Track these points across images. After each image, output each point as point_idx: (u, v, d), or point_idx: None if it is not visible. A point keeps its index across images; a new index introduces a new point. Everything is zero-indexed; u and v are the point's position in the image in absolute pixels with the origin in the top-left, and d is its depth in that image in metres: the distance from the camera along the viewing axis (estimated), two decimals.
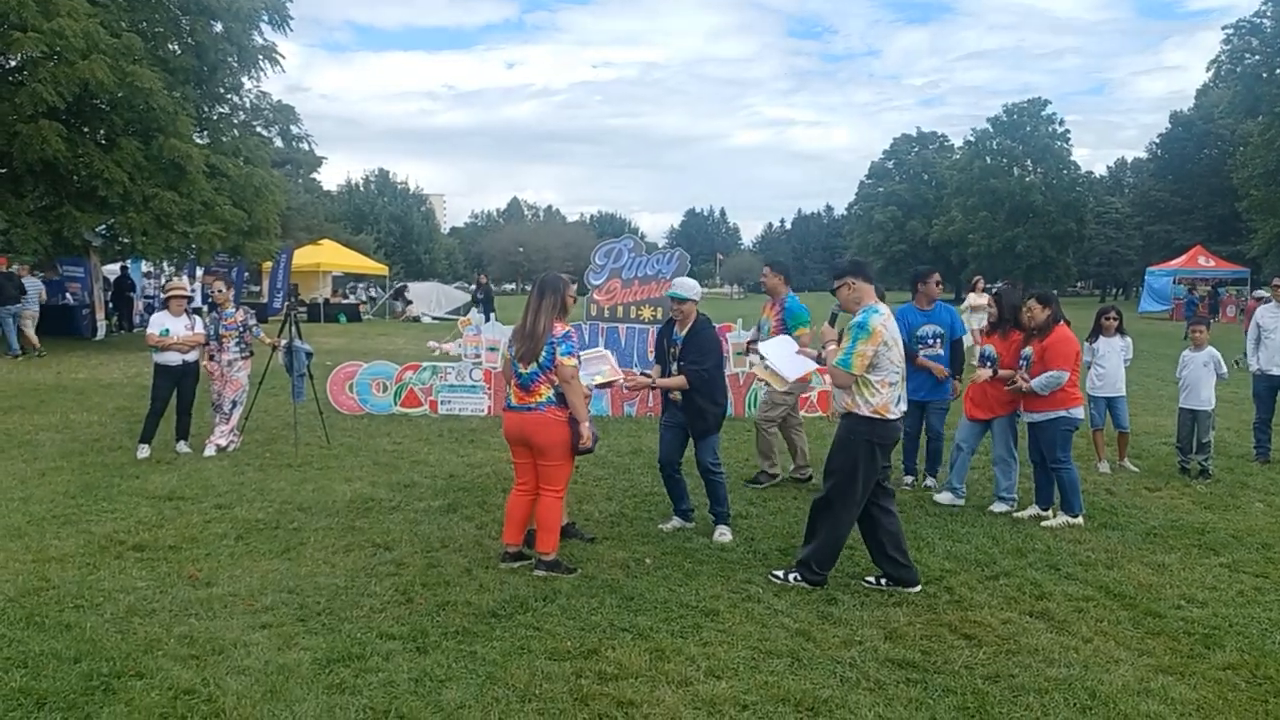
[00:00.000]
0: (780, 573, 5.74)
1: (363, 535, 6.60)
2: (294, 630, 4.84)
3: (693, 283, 6.91)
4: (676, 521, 6.98)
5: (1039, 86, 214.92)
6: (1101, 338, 9.23)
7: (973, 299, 17.80)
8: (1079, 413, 7.36)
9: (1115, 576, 5.95)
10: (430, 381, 12.32)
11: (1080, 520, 7.16)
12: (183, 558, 6.03)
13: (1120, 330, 9.27)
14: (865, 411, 5.52)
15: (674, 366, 6.75)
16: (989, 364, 7.60)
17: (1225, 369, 9.22)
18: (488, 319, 21.93)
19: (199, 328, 9.65)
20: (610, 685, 4.27)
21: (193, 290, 29.65)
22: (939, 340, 8.15)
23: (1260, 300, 17.62)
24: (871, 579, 5.75)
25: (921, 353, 8.10)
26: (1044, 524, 7.18)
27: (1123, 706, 4.17)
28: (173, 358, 9.41)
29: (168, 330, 9.36)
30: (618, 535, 6.74)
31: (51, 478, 8.25)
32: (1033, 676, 4.46)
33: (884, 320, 5.52)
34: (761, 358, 6.87)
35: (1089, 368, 9.31)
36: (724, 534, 6.69)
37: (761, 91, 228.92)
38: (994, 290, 8.35)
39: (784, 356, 6.81)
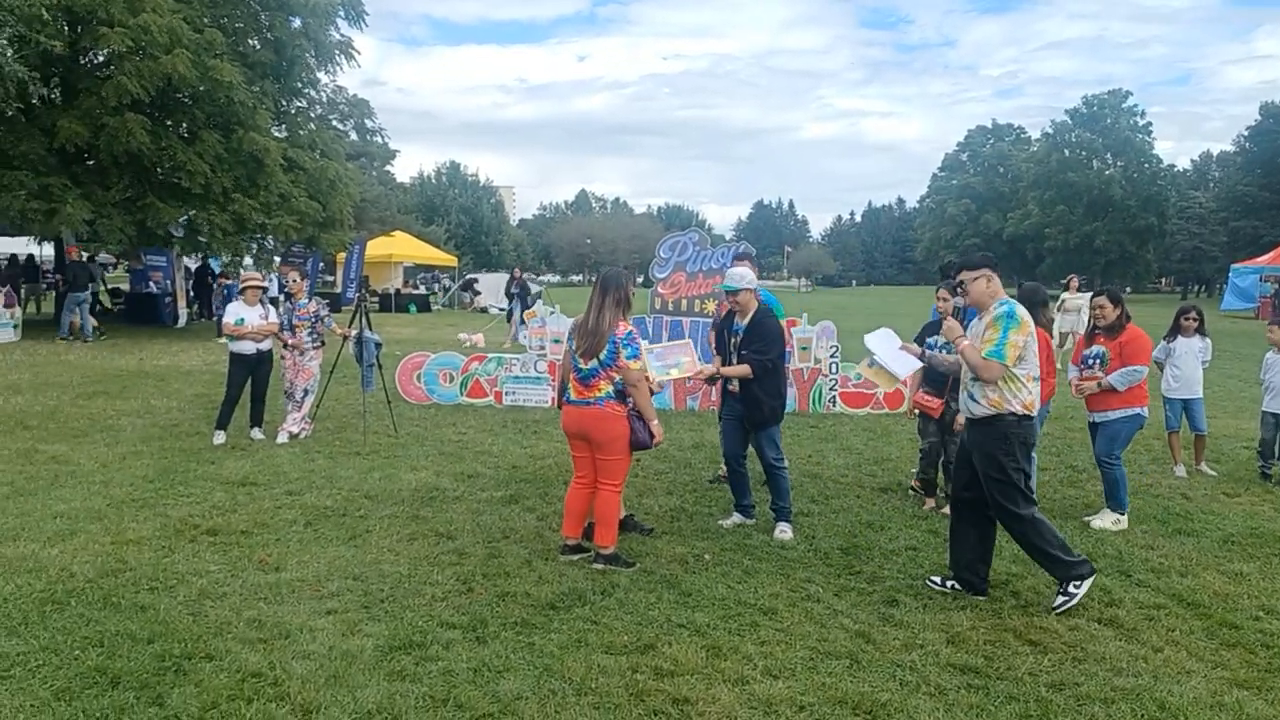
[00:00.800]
0: (1061, 598, 5.26)
1: (426, 524, 6.70)
2: (358, 617, 4.94)
3: (744, 271, 6.74)
4: (737, 518, 6.91)
5: (1121, 77, 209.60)
6: (1180, 338, 8.96)
7: (1069, 299, 17.12)
8: (1146, 411, 7.33)
9: (1189, 585, 5.78)
10: (495, 373, 12.45)
11: (1124, 519, 7.08)
12: (253, 543, 6.19)
13: (1200, 331, 8.98)
14: (1016, 408, 5.21)
15: (734, 357, 6.64)
16: (1098, 363, 7.33)
17: None
18: (523, 318, 21.88)
19: (273, 317, 9.88)
20: (666, 681, 4.28)
21: (269, 280, 30.42)
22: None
23: None
24: (938, 580, 5.65)
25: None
26: (1093, 524, 7.07)
27: None
28: (247, 346, 9.64)
29: (243, 320, 9.60)
30: (677, 530, 6.74)
31: (131, 462, 8.52)
32: (1099, 686, 4.35)
33: (1027, 312, 5.32)
34: (870, 356, 6.66)
35: (1164, 368, 9.05)
36: (785, 531, 6.60)
37: (833, 83, 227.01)
38: (1107, 291, 7.88)
39: (892, 352, 6.61)
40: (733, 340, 6.66)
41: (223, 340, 18.86)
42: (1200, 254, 76.09)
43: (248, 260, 28.31)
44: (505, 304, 28.39)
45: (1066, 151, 75.33)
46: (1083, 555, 5.46)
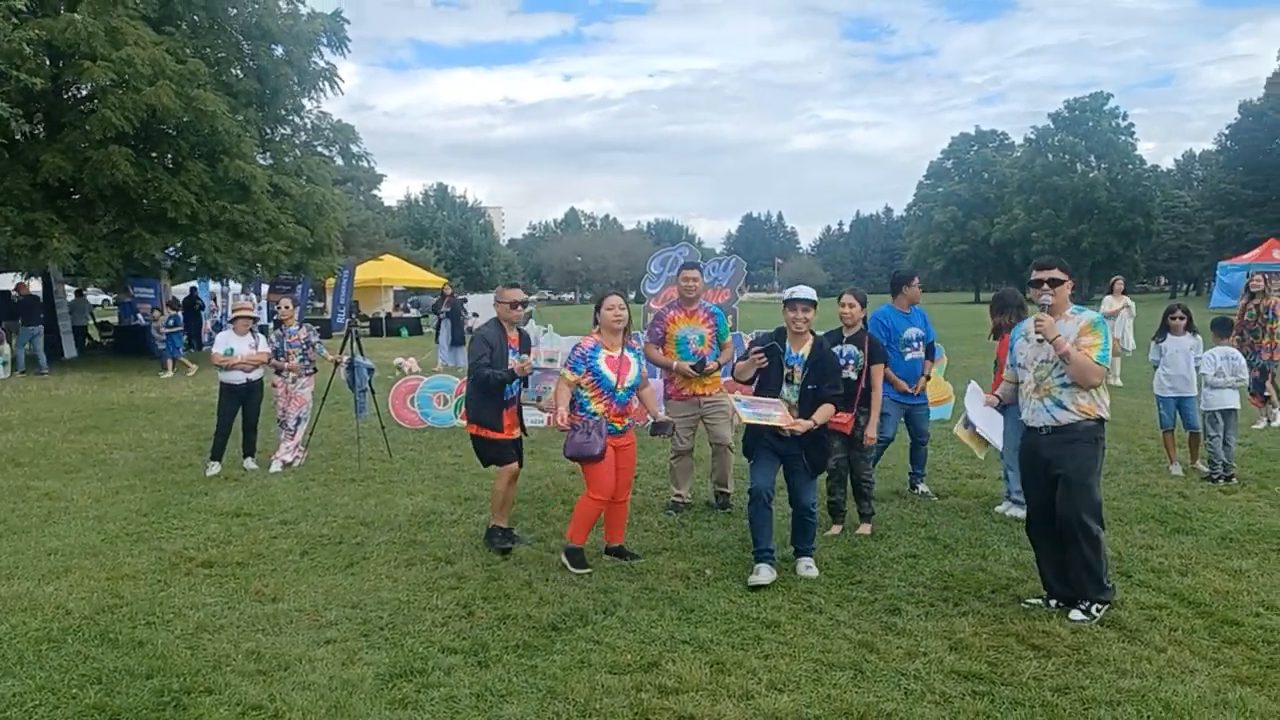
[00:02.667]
0: (1080, 615, 5.16)
1: (424, 549, 6.66)
2: (357, 645, 4.90)
3: (809, 287, 6.13)
4: (766, 572, 5.86)
5: (1102, 80, 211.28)
6: (1170, 336, 8.98)
7: (1111, 302, 16.26)
8: None
9: (1189, 583, 5.77)
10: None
11: None
12: (250, 574, 6.15)
13: (1190, 329, 9.01)
14: (1104, 413, 5.19)
15: (789, 390, 5.94)
16: None
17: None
18: (454, 340, 20.62)
19: (264, 346, 9.84)
20: (671, 699, 4.25)
21: (259, 309, 30.36)
22: (920, 343, 7.83)
23: None
24: (1040, 600, 5.43)
25: (907, 355, 7.73)
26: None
27: (1198, 719, 4.04)
28: (237, 376, 9.59)
29: (232, 350, 9.56)
30: (677, 546, 6.72)
31: (125, 496, 8.47)
32: (1104, 688, 4.34)
33: None
34: (965, 417, 6.42)
35: (1155, 368, 9.07)
36: (810, 568, 6.04)
37: (819, 95, 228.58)
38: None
39: (983, 413, 6.28)
40: (789, 371, 5.95)
41: (185, 374, 18.91)
42: (1187, 252, 76.52)
43: (236, 287, 28.29)
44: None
45: (1050, 155, 75.79)
46: (1113, 583, 5.37)
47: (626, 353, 6.34)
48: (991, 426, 6.32)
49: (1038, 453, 5.29)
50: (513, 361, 6.58)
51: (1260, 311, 11.40)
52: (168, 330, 20.12)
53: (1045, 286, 5.21)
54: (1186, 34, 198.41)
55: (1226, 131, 70.95)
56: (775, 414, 5.76)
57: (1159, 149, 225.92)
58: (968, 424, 6.47)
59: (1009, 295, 7.69)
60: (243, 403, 9.66)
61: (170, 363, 19.75)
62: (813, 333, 6.03)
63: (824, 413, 5.85)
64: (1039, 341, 5.21)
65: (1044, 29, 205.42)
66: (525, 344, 6.94)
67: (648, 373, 6.72)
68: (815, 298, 6.03)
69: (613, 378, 6.23)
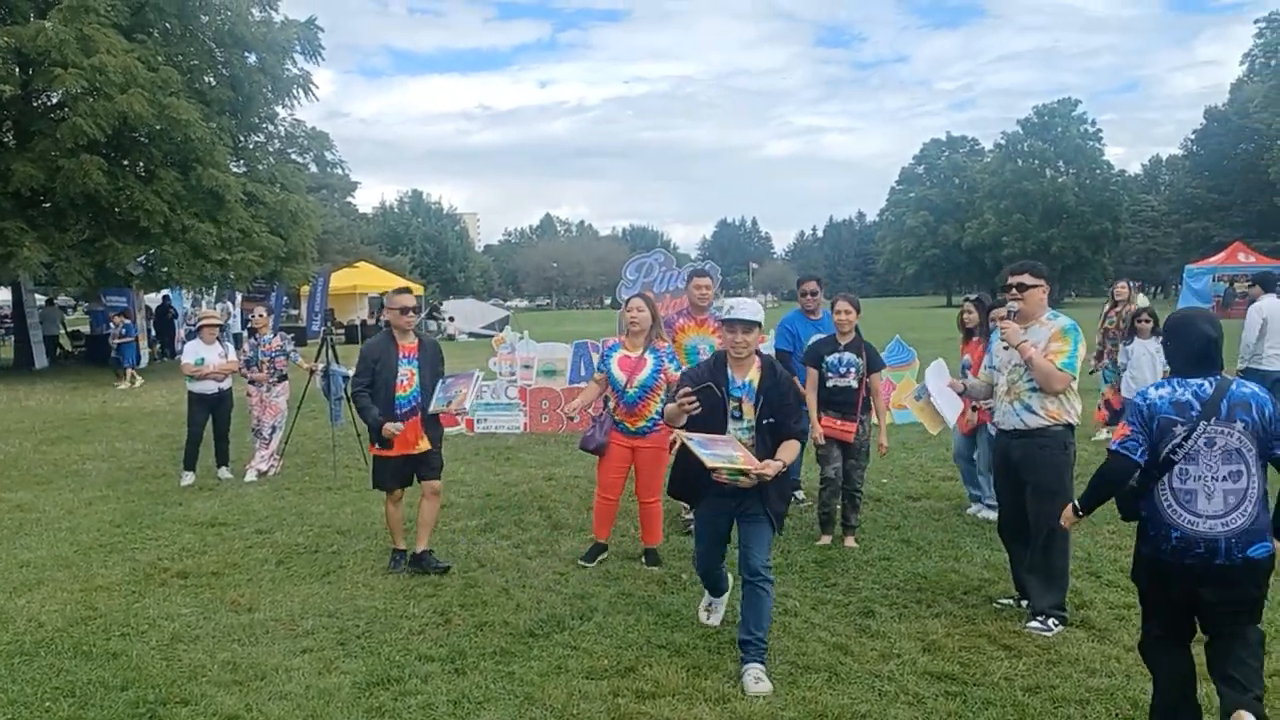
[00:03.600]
0: (1037, 625, 5.10)
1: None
2: (334, 654, 4.90)
3: (754, 304, 4.91)
4: (718, 610, 5.32)
5: (1072, 86, 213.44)
6: (1137, 340, 9.12)
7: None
8: None
9: None
10: (471, 406, 12.39)
11: None
12: (225, 584, 6.13)
13: (1156, 332, 9.15)
14: (1072, 419, 5.19)
15: (736, 426, 4.71)
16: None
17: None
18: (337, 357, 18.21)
19: (233, 354, 9.79)
20: (648, 704, 4.28)
21: (234, 317, 30.13)
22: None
23: None
24: (1011, 600, 5.50)
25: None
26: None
27: None
28: (208, 386, 9.52)
29: (203, 359, 9.47)
30: (659, 550, 6.74)
31: (98, 507, 8.41)
32: (1074, 687, 4.41)
33: None
34: (926, 394, 6.16)
35: (1123, 370, 9.20)
36: (760, 680, 4.44)
37: (792, 101, 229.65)
38: (974, 298, 7.79)
39: (942, 389, 6.10)
40: (734, 404, 4.73)
41: (132, 385, 18.61)
42: (1155, 256, 77.47)
43: (187, 296, 28.06)
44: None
45: (1020, 161, 76.59)
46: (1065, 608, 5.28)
47: (647, 354, 6.40)
48: (948, 404, 6.17)
49: (1008, 456, 5.33)
50: (387, 427, 6.09)
51: (1121, 319, 10.74)
52: (119, 340, 19.84)
53: (1014, 291, 5.24)
54: (1153, 41, 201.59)
55: (1192, 137, 72.00)
56: (738, 455, 4.55)
57: (1127, 154, 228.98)
58: (921, 395, 6.28)
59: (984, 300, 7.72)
60: (213, 412, 9.61)
61: (127, 372, 19.48)
62: (758, 354, 4.80)
63: (790, 450, 4.64)
64: (1006, 347, 5.26)
65: (1015, 35, 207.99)
66: (429, 355, 6.41)
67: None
68: (759, 318, 4.75)
69: (622, 378, 6.37)
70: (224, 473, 9.62)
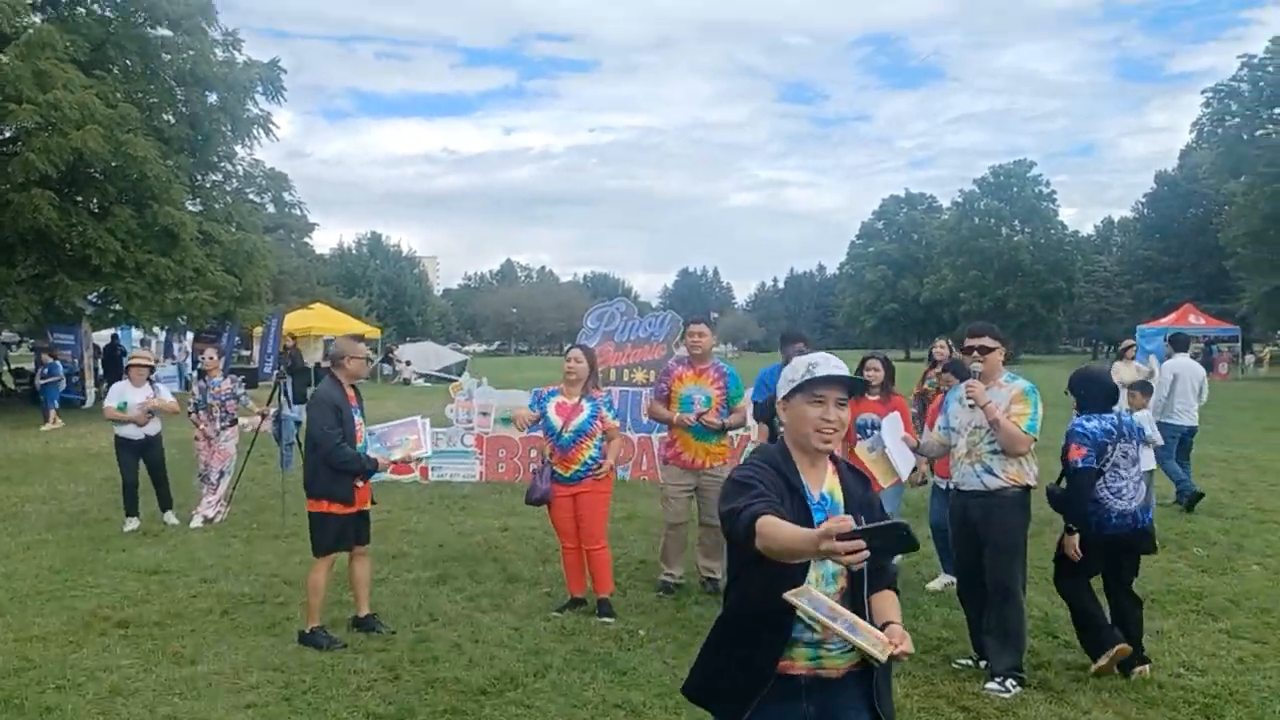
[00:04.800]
0: (994, 686, 5.07)
1: (350, 609, 6.47)
2: (279, 710, 4.74)
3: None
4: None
5: (1027, 148, 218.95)
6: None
7: (1122, 370, 13.51)
8: None
9: None
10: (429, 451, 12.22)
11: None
12: (168, 634, 5.93)
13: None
14: (1030, 481, 5.21)
15: (826, 573, 2.66)
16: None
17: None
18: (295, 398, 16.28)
19: (164, 394, 9.47)
20: None
21: (186, 357, 29.61)
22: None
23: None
24: (970, 660, 5.48)
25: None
26: (930, 586, 7.24)
27: None
28: (132, 430, 9.17)
29: (125, 404, 9.13)
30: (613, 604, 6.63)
31: (36, 551, 8.14)
32: None
33: None
34: (881, 445, 5.98)
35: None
36: None
37: (755, 155, 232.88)
38: (880, 356, 7.42)
39: (896, 443, 5.97)
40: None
41: (51, 426, 18.12)
42: (1108, 315, 78.91)
43: (137, 335, 27.51)
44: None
45: (976, 219, 78.03)
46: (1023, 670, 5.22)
47: (583, 401, 6.48)
48: (902, 458, 6.04)
49: (966, 516, 5.33)
50: (378, 457, 6.10)
51: (943, 380, 10.59)
52: (43, 381, 19.20)
53: (975, 354, 5.29)
54: (1105, 106, 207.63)
55: (1144, 200, 73.93)
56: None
57: (1080, 215, 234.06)
58: (876, 447, 6.09)
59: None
60: (142, 456, 9.25)
61: (52, 414, 18.86)
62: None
63: (894, 608, 2.79)
64: (970, 407, 5.26)
65: (972, 98, 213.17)
66: (361, 403, 6.27)
67: (623, 433, 6.61)
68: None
69: (558, 422, 6.43)
70: (170, 518, 9.35)
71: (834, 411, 2.77)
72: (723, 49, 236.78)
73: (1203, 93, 51.01)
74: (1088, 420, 5.35)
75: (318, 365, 36.98)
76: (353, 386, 6.25)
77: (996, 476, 5.17)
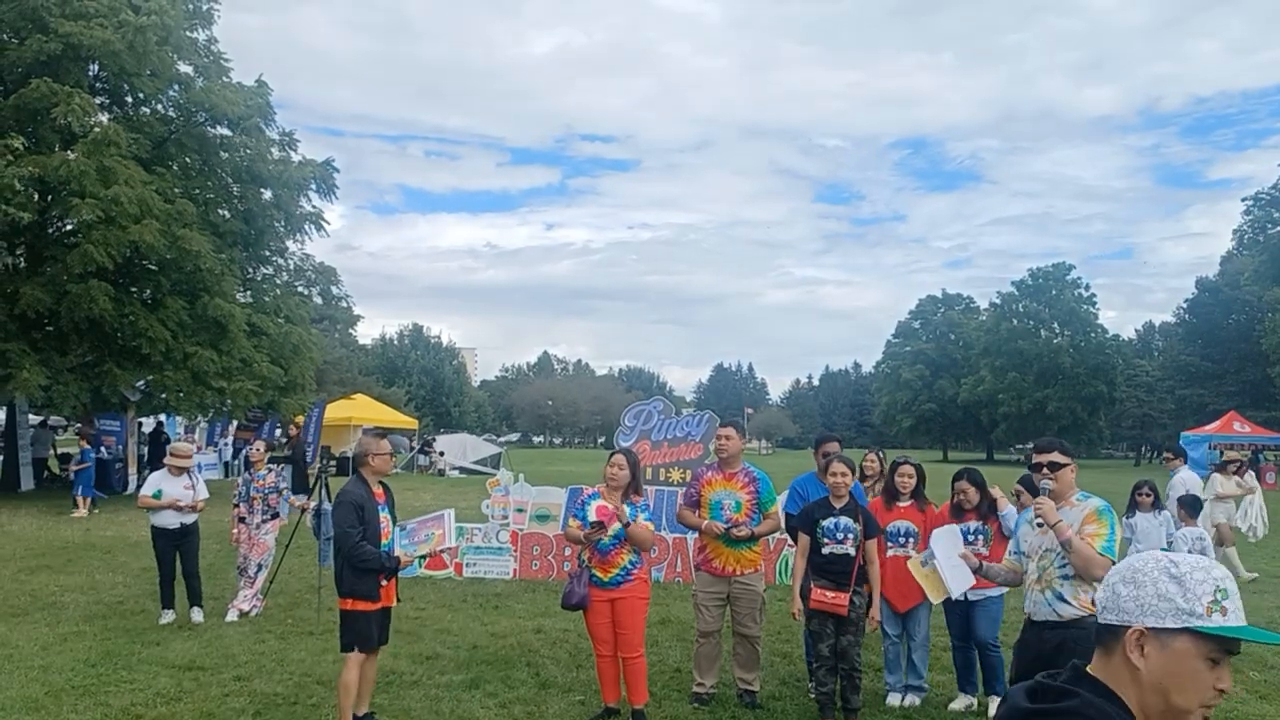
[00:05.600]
0: None
1: (382, 712, 6.42)
2: None
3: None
4: None
5: (1065, 251, 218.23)
6: (1139, 514, 9.06)
7: (1221, 483, 13.78)
8: None
9: None
10: (457, 543, 12.21)
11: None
12: None
13: (1156, 505, 9.10)
14: (1094, 609, 4.69)
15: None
16: (980, 539, 6.75)
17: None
18: (295, 488, 14.80)
19: (201, 491, 9.45)
20: None
21: (225, 444, 29.93)
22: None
23: None
24: None
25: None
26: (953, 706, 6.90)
27: None
28: (169, 519, 9.16)
29: (160, 492, 9.17)
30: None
31: (73, 643, 8.16)
32: None
33: None
34: (933, 559, 5.73)
35: (1129, 544, 9.09)
36: None
37: (792, 253, 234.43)
38: (913, 461, 7.29)
39: (951, 559, 5.67)
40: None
41: (76, 512, 18.11)
42: (1150, 421, 77.73)
43: (181, 421, 27.77)
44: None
45: (1015, 321, 77.83)
46: None
47: (623, 505, 6.44)
48: (955, 575, 5.77)
49: (1040, 651, 4.76)
50: (400, 553, 6.16)
51: (871, 493, 10.01)
52: (76, 468, 19.25)
53: (1045, 470, 4.87)
54: (1144, 211, 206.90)
55: (1185, 305, 73.40)
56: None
57: (1120, 318, 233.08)
58: (928, 561, 5.78)
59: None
60: (178, 548, 9.21)
61: (83, 501, 18.81)
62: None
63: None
64: (1040, 528, 4.87)
65: (1009, 200, 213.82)
66: (392, 499, 6.35)
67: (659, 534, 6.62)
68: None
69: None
70: (196, 615, 9.23)
71: (1226, 681, 1.75)
72: (761, 149, 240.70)
73: (1243, 200, 51.23)
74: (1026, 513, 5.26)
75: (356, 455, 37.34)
76: (381, 483, 6.31)
77: (1070, 604, 4.73)
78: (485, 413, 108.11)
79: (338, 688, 5.92)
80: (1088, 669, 1.83)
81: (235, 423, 29.06)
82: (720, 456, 7.16)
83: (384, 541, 6.04)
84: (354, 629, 5.91)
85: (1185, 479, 11.28)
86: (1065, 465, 4.85)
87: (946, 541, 5.81)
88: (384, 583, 5.97)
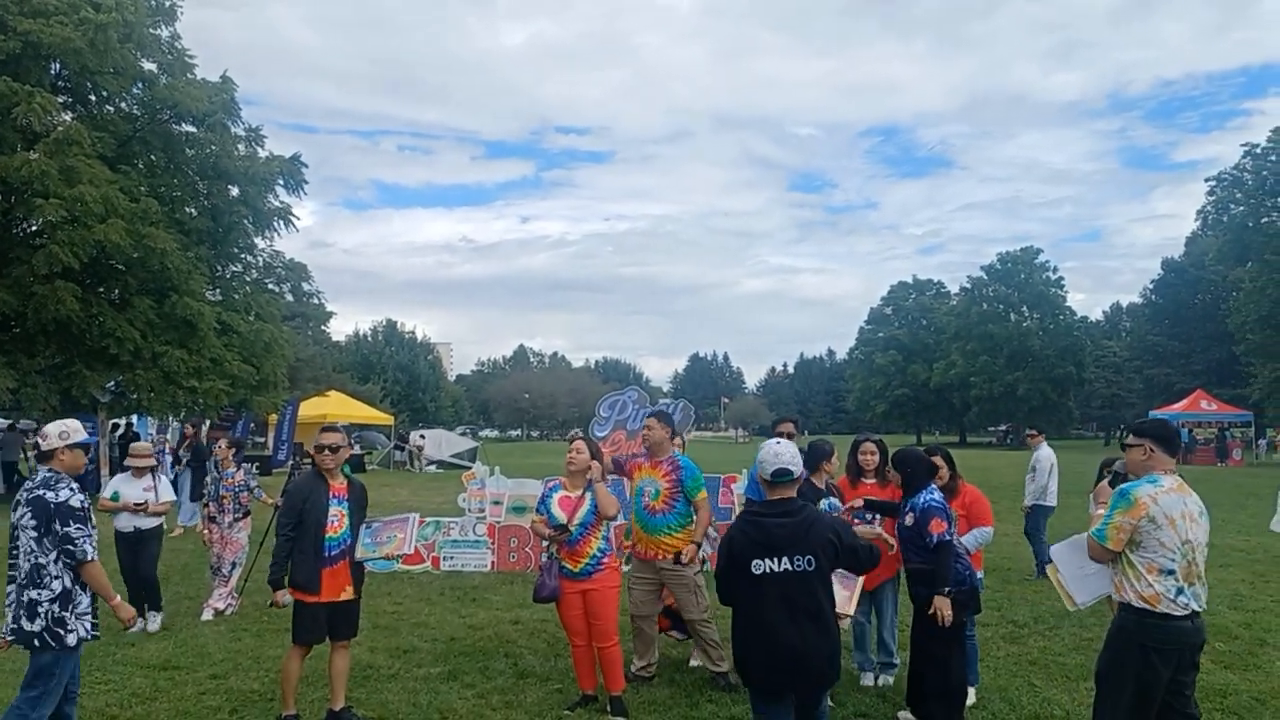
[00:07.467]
0: None
1: (360, 707, 6.44)
2: None
3: (788, 450, 4.73)
4: None
5: (1034, 234, 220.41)
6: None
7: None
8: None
9: None
10: (433, 537, 12.22)
11: (973, 693, 6.53)
12: None
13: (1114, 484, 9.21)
14: (1132, 599, 4.60)
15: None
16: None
17: None
18: (194, 494, 15.68)
19: (165, 491, 9.26)
20: None
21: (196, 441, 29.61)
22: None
23: None
24: None
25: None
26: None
27: None
28: (124, 522, 8.95)
29: (118, 495, 8.99)
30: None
31: None
32: None
33: (1156, 493, 4.61)
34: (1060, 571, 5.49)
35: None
36: None
37: (768, 242, 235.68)
38: (876, 439, 7.37)
39: (1075, 571, 5.44)
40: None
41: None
42: (1119, 400, 78.72)
43: (153, 423, 27.51)
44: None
45: (985, 305, 78.47)
46: None
47: (586, 494, 6.45)
48: (1080, 586, 5.65)
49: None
50: (277, 596, 5.97)
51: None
52: None
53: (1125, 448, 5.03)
54: (1111, 193, 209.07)
55: (1151, 286, 74.38)
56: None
57: (1088, 300, 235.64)
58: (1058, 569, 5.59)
59: (814, 445, 7.19)
60: (134, 552, 8.94)
61: None
62: None
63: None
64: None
65: (978, 185, 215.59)
66: (357, 495, 6.24)
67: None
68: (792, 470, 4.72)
69: (562, 517, 6.36)
70: (152, 622, 8.83)
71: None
72: (736, 139, 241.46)
73: (1206, 180, 51.84)
74: (930, 491, 5.98)
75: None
76: (349, 478, 6.29)
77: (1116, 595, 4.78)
78: (462, 407, 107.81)
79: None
80: None
81: (208, 422, 28.84)
82: (645, 445, 7.28)
83: (329, 535, 5.96)
84: (297, 617, 5.99)
85: (1046, 454, 12.13)
86: (1132, 444, 4.91)
87: (1068, 554, 5.56)
88: (280, 604, 5.93)
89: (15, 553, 5.07)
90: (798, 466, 4.69)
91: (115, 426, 27.02)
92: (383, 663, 7.60)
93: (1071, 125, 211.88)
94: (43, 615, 4.97)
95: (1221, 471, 35.12)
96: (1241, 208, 48.67)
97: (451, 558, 12.20)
